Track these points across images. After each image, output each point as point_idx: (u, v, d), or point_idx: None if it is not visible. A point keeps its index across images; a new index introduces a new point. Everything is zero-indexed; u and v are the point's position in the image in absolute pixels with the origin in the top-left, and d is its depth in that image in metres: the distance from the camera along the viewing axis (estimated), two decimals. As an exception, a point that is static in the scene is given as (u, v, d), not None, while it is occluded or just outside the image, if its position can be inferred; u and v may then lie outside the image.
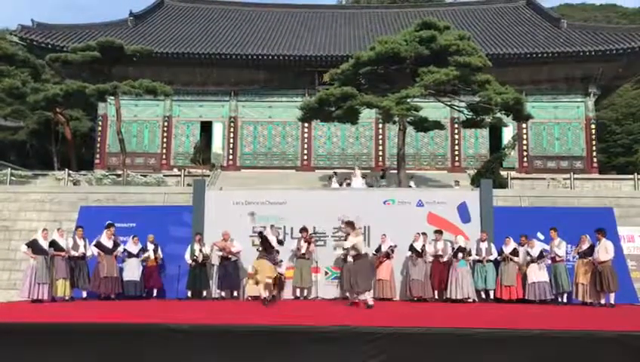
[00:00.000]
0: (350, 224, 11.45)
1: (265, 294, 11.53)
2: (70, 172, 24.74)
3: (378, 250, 14.24)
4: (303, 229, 14.05)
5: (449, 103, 25.57)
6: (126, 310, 10.21)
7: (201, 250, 13.88)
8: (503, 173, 24.54)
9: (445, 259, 13.74)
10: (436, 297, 13.79)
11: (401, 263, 14.38)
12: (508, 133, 29.90)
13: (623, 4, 64.85)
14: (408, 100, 22.24)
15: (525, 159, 31.64)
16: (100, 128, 32.71)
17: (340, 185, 22.91)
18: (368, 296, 11.14)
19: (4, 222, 19.81)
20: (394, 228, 14.31)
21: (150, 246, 14.16)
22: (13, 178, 23.66)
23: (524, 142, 31.57)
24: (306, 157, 32.08)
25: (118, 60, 26.99)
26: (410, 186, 22.42)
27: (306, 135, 32.14)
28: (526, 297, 13.44)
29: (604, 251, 12.47)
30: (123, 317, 8.81)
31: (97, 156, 32.26)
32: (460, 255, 13.55)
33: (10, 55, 29.25)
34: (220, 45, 31.98)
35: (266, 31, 35.36)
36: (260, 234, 12.62)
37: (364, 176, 23.89)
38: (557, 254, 13.24)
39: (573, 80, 31.65)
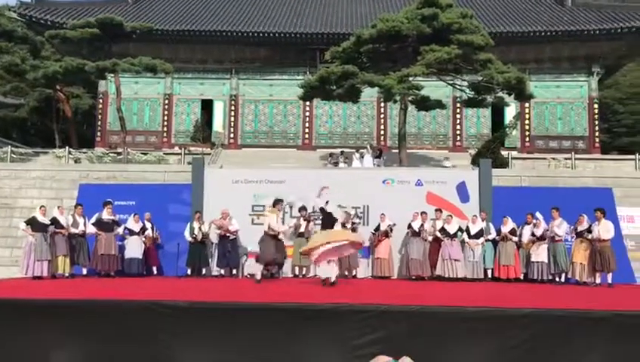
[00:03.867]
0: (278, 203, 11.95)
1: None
2: (71, 150, 24.79)
3: (377, 228, 14.29)
4: (302, 208, 14.06)
5: (451, 82, 25.40)
6: (125, 287, 10.28)
7: (200, 228, 13.92)
8: (505, 152, 24.48)
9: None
10: (434, 276, 13.84)
11: (399, 242, 14.44)
12: (510, 113, 29.75)
13: (629, -18, 63.91)
14: (410, 79, 22.14)
15: (527, 139, 31.51)
16: (100, 106, 32.62)
17: (336, 164, 22.98)
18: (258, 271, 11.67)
19: (5, 200, 19.89)
20: (393, 207, 14.33)
21: (148, 225, 14.22)
22: (13, 155, 23.72)
23: (527, 121, 31.42)
24: (307, 136, 32.00)
25: (118, 37, 26.88)
26: (446, 166, 22.35)
27: (307, 114, 32.02)
28: (529, 276, 13.52)
29: (606, 231, 12.49)
30: (122, 294, 8.88)
31: (98, 134, 32.22)
32: (464, 235, 13.63)
33: (9, 31, 29.16)
34: (220, 22, 31.71)
35: (267, 8, 35.01)
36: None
37: (377, 156, 23.89)
38: (557, 234, 13.24)
39: (577, 59, 31.39)
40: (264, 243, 11.78)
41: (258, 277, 11.65)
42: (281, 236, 12.11)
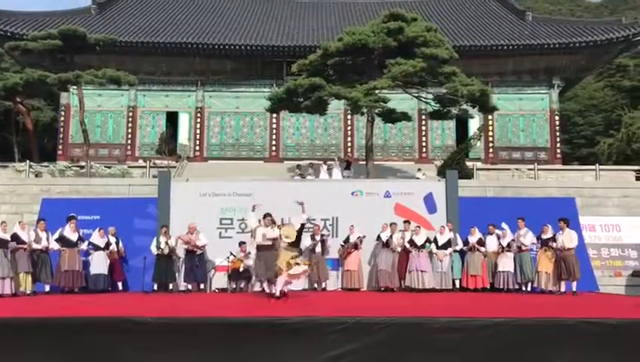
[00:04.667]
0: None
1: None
2: (31, 163, 24.17)
3: (346, 240, 14.28)
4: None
5: (416, 95, 25.70)
6: (90, 304, 10.01)
7: (167, 243, 13.68)
8: (469, 163, 24.82)
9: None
10: (403, 287, 13.89)
11: (369, 254, 14.45)
12: (474, 125, 30.22)
13: (586, -2, 66.09)
14: (376, 92, 22.30)
15: (491, 150, 32.07)
16: (62, 118, 31.96)
17: (303, 176, 22.93)
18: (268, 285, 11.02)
19: (-37, 215, 19.25)
20: (362, 219, 14.36)
21: (112, 240, 13.92)
22: (-29, 169, 23.00)
23: (490, 133, 31.99)
24: (274, 148, 31.93)
25: (81, 49, 26.44)
26: (418, 178, 22.43)
27: (274, 126, 31.97)
28: (495, 285, 13.68)
29: (569, 240, 12.76)
30: (86, 310, 8.64)
31: (60, 147, 31.52)
32: (432, 246, 13.75)
33: (-33, 42, 28.39)
34: (186, 34, 31.52)
35: (233, 20, 34.99)
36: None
37: (346, 167, 23.97)
38: (523, 243, 13.45)
39: (538, 72, 32.19)
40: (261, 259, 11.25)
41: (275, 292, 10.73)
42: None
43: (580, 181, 23.31)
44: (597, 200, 19.80)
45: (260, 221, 11.34)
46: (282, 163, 29.90)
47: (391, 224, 14.11)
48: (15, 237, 12.37)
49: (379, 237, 14.06)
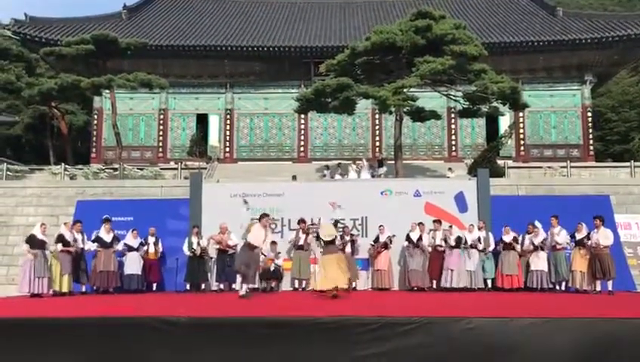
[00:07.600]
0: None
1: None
2: (66, 166, 24.71)
3: (376, 240, 14.25)
4: (301, 221, 14.05)
5: (445, 93, 25.52)
6: (126, 303, 10.19)
7: (198, 243, 13.84)
8: (500, 162, 24.54)
9: (443, 249, 13.74)
10: (434, 287, 13.80)
11: (398, 253, 14.40)
12: (504, 122, 29.90)
13: (618, -8, 64.61)
14: (405, 90, 22.20)
15: (522, 148, 31.66)
16: (95, 122, 32.65)
17: (332, 177, 22.98)
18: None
19: (1, 218, 19.77)
20: (392, 218, 14.31)
21: (151, 240, 14.11)
22: (9, 173, 23.63)
23: (521, 131, 31.58)
24: (302, 148, 32.05)
25: (113, 53, 26.95)
26: (448, 177, 22.35)
27: (302, 126, 32.10)
28: (529, 285, 13.49)
29: (605, 238, 12.49)
30: (121, 310, 8.80)
31: (93, 150, 32.21)
32: (462, 245, 13.62)
33: (4, 49, 29.24)
34: (214, 37, 31.86)
35: (261, 22, 35.22)
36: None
37: (380, 165, 24.01)
38: (557, 242, 13.22)
39: (570, 68, 31.66)
40: (240, 253, 11.36)
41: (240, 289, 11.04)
42: (260, 250, 11.57)
43: (615, 178, 22.86)
44: (633, 197, 19.37)
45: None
46: (311, 163, 30.01)
47: (419, 223, 14.04)
48: (61, 238, 12.68)
49: (408, 237, 13.98)
